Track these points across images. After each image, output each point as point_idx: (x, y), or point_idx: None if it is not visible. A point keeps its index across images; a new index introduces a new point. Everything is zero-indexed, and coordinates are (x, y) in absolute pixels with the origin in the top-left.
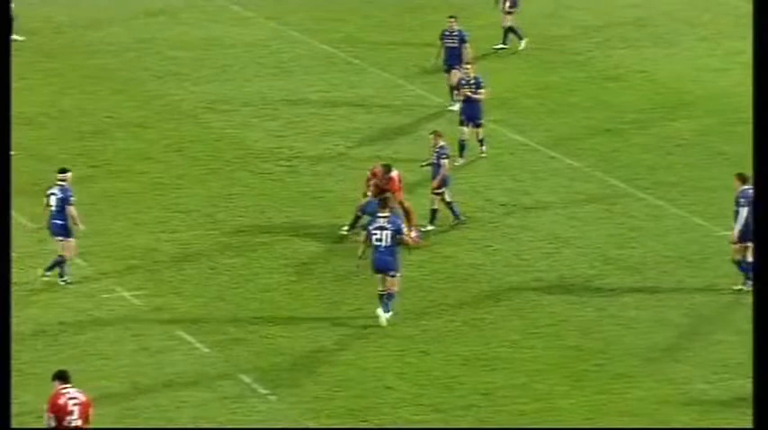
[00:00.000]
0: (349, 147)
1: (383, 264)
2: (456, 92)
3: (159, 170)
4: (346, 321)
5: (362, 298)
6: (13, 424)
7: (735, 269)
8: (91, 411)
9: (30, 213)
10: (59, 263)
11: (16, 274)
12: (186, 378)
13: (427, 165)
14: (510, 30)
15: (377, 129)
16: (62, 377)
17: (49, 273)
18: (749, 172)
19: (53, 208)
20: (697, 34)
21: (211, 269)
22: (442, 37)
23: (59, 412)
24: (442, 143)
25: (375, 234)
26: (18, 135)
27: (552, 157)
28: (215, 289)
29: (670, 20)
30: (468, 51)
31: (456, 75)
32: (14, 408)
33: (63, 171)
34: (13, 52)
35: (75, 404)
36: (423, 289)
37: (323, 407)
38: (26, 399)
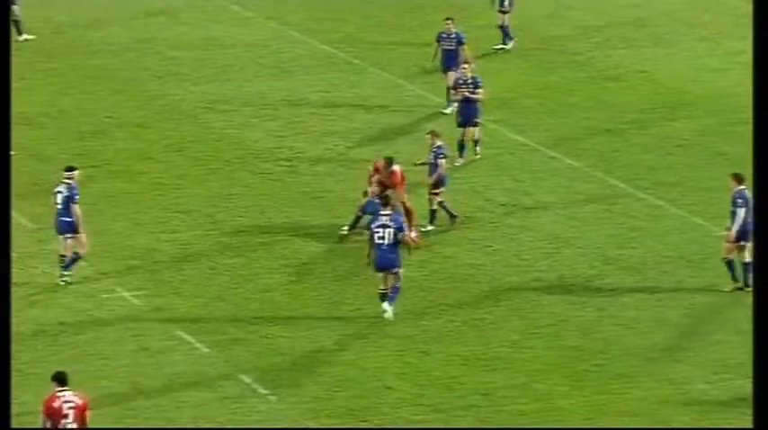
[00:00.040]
0: (349, 148)
1: (386, 262)
2: (453, 92)
3: (159, 170)
4: (346, 321)
5: (362, 298)
6: (13, 424)
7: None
8: (87, 414)
9: (30, 213)
10: (75, 260)
11: (16, 274)
12: (186, 378)
13: (421, 164)
14: (500, 28)
15: (377, 129)
16: (59, 379)
17: (66, 273)
18: (749, 172)
19: (59, 206)
20: (697, 34)
21: (211, 269)
22: (439, 39)
23: (54, 415)
24: (439, 143)
25: (378, 232)
26: (18, 135)
27: (552, 157)
28: (215, 289)
29: (670, 20)
30: (466, 53)
31: (452, 77)
32: (14, 408)
33: (70, 169)
34: (13, 52)
35: (70, 407)
36: (423, 289)
37: (323, 407)
38: (26, 399)
